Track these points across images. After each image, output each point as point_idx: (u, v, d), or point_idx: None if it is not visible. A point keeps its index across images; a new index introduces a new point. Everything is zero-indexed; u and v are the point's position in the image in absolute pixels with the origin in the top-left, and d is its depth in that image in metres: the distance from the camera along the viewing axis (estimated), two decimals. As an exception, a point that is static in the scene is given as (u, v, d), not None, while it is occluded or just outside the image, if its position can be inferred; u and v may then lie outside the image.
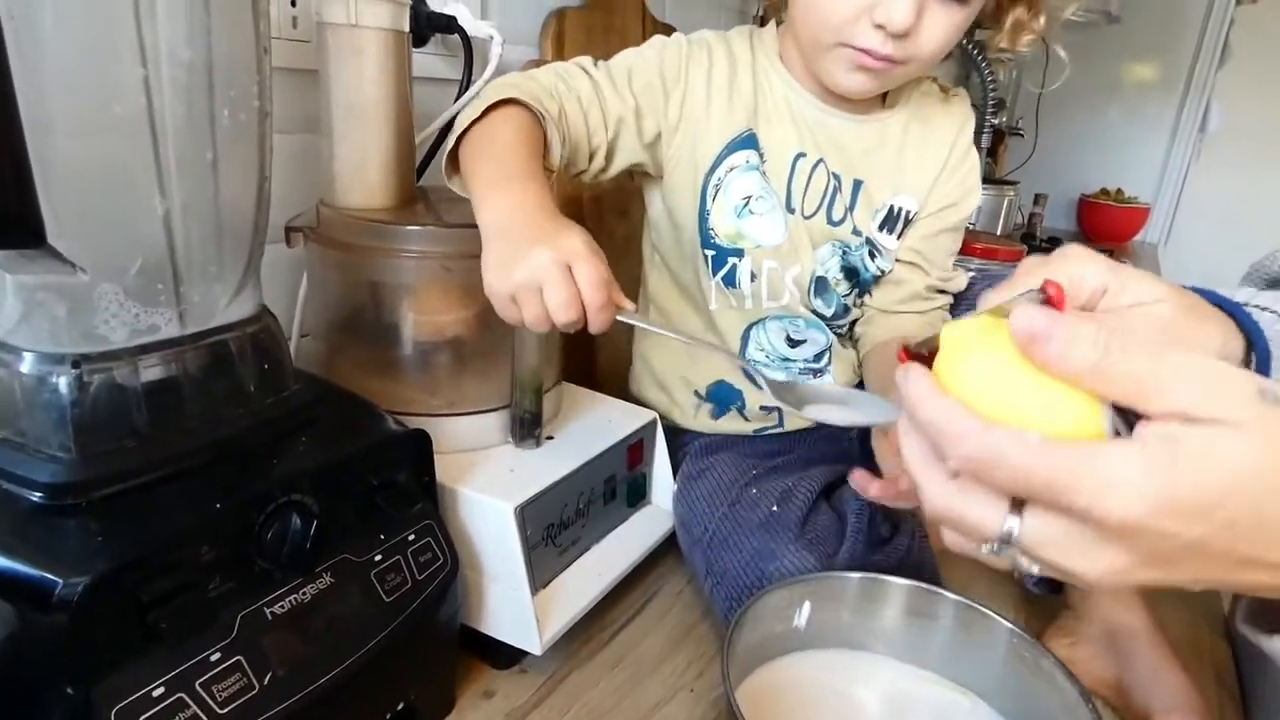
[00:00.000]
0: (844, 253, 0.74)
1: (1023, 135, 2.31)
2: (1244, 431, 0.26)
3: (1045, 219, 2.24)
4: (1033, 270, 0.39)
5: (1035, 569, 0.31)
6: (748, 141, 0.70)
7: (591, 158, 0.66)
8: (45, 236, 0.35)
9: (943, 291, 0.77)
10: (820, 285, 0.74)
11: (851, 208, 0.72)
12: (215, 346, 0.44)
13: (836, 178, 0.72)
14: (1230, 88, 2.32)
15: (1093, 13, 2.01)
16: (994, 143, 1.93)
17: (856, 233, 0.73)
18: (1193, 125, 2.39)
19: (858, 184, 0.72)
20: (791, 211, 0.71)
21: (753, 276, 0.72)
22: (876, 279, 0.76)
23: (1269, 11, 2.22)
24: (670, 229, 0.75)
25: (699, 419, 0.78)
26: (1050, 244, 2.06)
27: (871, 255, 0.74)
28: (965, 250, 1.24)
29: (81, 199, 0.37)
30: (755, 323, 0.75)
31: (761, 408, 0.77)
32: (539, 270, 0.47)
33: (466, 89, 0.76)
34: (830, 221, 0.72)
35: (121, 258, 0.39)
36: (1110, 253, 1.93)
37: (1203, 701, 0.58)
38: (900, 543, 0.67)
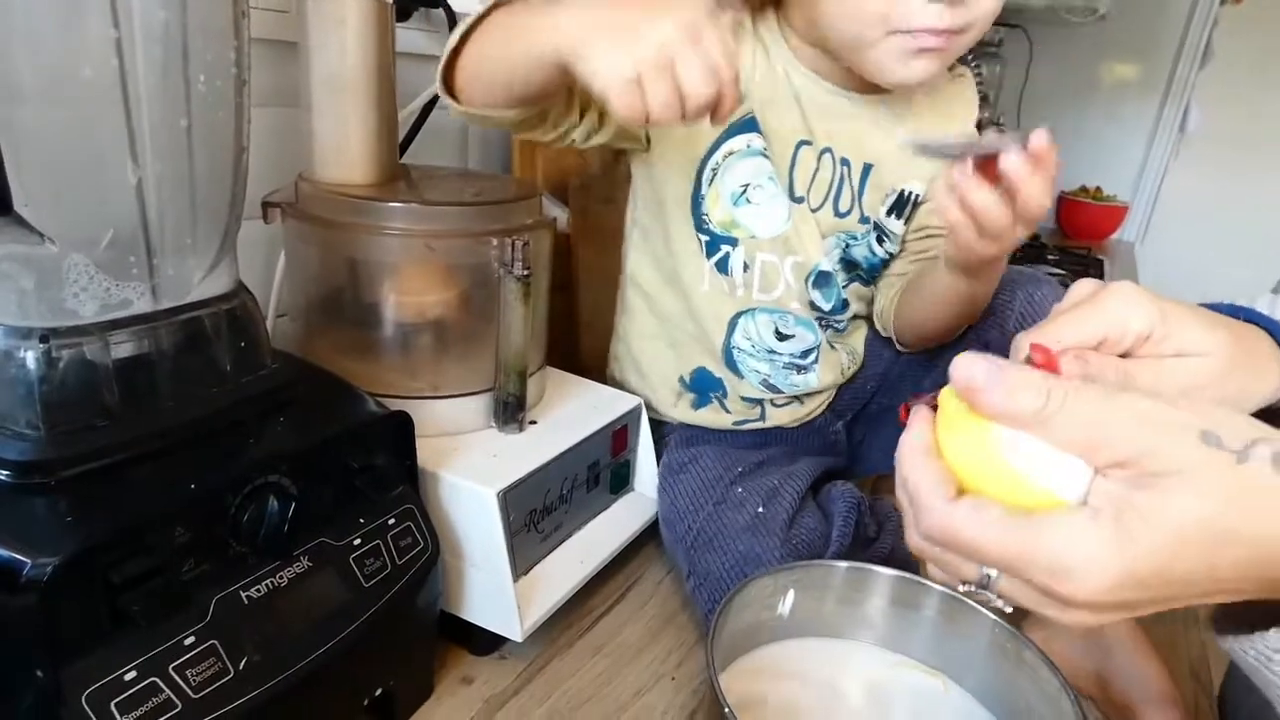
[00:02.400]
0: (846, 245, 0.72)
1: (1004, 131, 2.32)
2: (1189, 482, 0.27)
3: (1026, 213, 2.26)
4: (1081, 301, 0.38)
5: (1010, 609, 0.33)
6: (748, 125, 0.66)
7: (584, 113, 0.61)
8: (11, 204, 0.34)
9: None
10: (821, 278, 0.72)
11: (860, 194, 0.70)
12: (189, 323, 0.43)
13: (845, 164, 0.69)
14: (1210, 89, 2.35)
15: (1083, 12, 2.03)
16: (977, 137, 1.93)
17: (864, 220, 0.71)
18: (1172, 125, 2.42)
19: (868, 168, 0.69)
20: (798, 201, 0.69)
21: (745, 266, 0.70)
22: (885, 263, 0.74)
23: (1252, 13, 2.24)
24: (655, 206, 0.72)
25: (679, 409, 0.77)
26: (1030, 239, 2.08)
27: (880, 240, 0.72)
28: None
29: (50, 166, 0.35)
30: (744, 311, 0.73)
31: (743, 399, 0.76)
32: (671, 43, 0.41)
33: (451, 66, 0.74)
34: (837, 214, 0.70)
35: (92, 228, 0.37)
36: (1088, 250, 1.94)
37: (1179, 694, 0.59)
38: (885, 542, 0.67)
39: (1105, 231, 2.40)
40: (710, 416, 0.77)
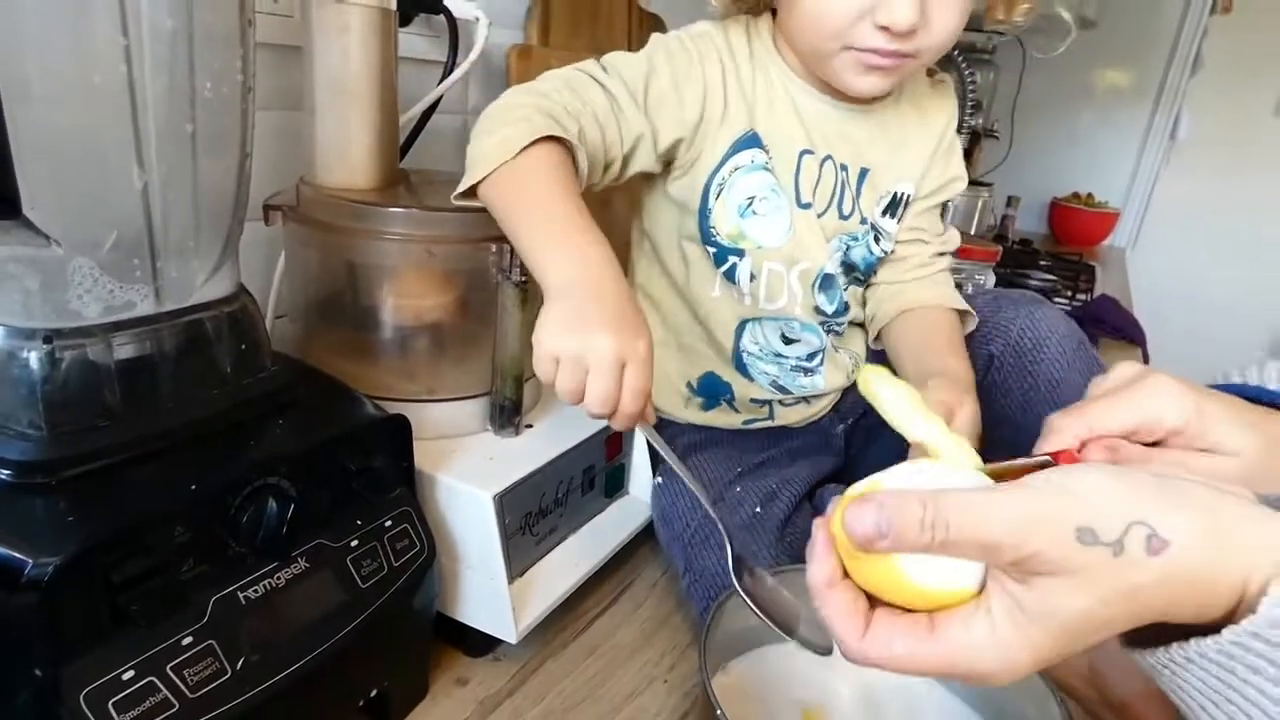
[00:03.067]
0: (847, 248, 0.74)
1: (998, 137, 2.34)
2: (1068, 583, 0.29)
3: (1017, 221, 2.27)
4: (1120, 387, 0.40)
5: None
6: (750, 141, 0.68)
7: (606, 169, 0.64)
8: (20, 207, 0.34)
9: (942, 254, 0.79)
10: (826, 282, 0.74)
11: (858, 196, 0.72)
12: (191, 325, 0.43)
13: (844, 169, 0.71)
14: (1201, 97, 2.38)
15: (1071, 18, 2.05)
16: (970, 144, 1.95)
17: (863, 221, 0.73)
18: (1164, 132, 2.44)
19: (864, 172, 0.72)
20: (805, 208, 0.71)
21: (752, 276, 0.72)
22: (879, 261, 0.76)
23: (1240, 22, 2.27)
24: (664, 220, 0.73)
25: (689, 410, 0.79)
26: (1022, 245, 2.09)
27: (876, 240, 0.75)
28: (942, 249, 1.25)
29: (57, 170, 0.36)
30: (752, 319, 0.74)
31: (752, 400, 0.77)
32: (595, 355, 0.47)
33: (451, 70, 0.75)
34: (841, 216, 0.72)
35: (97, 231, 0.38)
36: (1079, 256, 1.94)
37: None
38: None
39: (1097, 238, 2.41)
40: (720, 417, 0.78)
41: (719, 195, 0.69)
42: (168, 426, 0.42)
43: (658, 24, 1.08)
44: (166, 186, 0.39)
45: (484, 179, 0.54)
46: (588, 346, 0.47)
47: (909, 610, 0.33)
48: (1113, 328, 1.46)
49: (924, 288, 0.77)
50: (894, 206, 0.74)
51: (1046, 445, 0.40)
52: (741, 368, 0.76)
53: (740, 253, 0.70)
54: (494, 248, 0.56)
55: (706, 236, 0.70)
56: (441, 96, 0.75)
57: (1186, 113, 2.40)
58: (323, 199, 0.57)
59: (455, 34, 0.75)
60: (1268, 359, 0.45)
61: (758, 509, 0.66)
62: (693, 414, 0.78)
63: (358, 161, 0.58)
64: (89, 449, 0.39)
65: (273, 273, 0.68)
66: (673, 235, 0.73)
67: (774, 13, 0.69)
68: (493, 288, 0.57)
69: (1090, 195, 2.45)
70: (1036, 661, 0.30)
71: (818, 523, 0.35)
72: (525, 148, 0.54)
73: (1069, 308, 1.54)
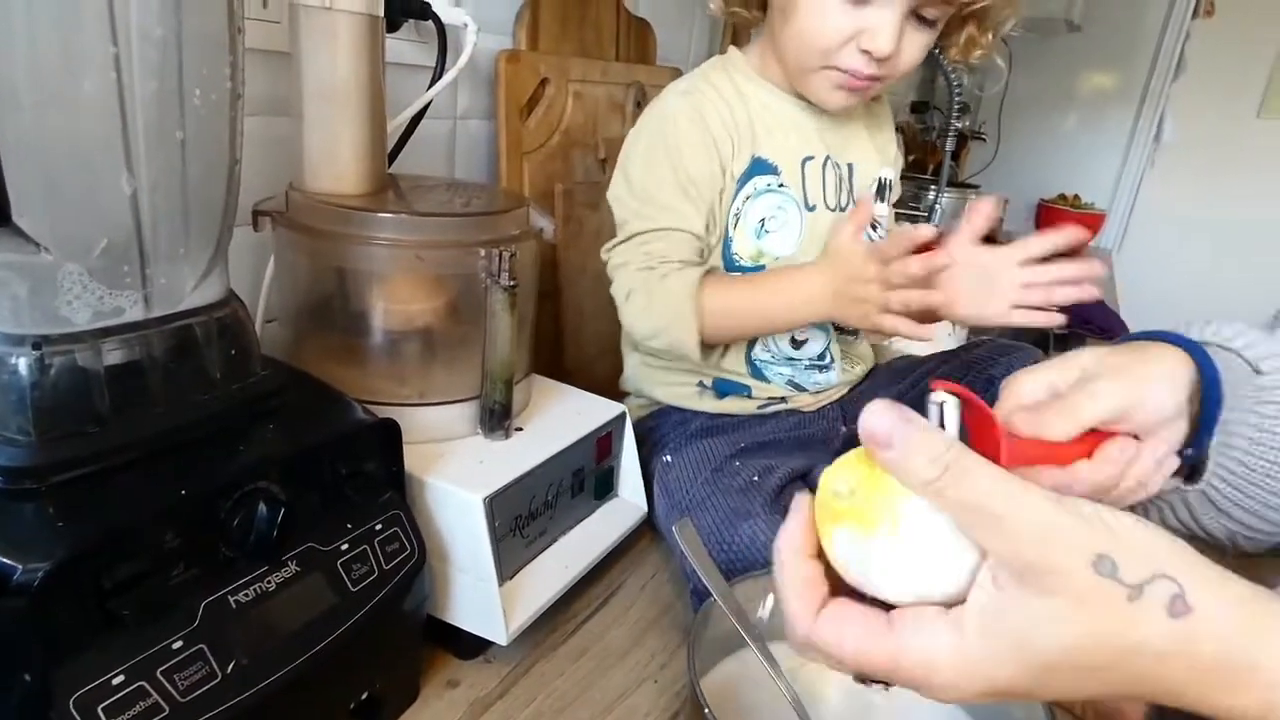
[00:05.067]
0: None
1: (985, 139, 2.36)
2: (1066, 611, 0.25)
3: (1005, 222, 2.29)
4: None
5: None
6: (756, 167, 0.74)
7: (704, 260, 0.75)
8: (9, 214, 0.35)
9: None
10: None
11: (851, 190, 0.80)
12: (181, 330, 0.43)
13: (838, 166, 0.78)
14: (1184, 100, 2.40)
15: (1054, 19, 2.06)
16: (957, 146, 1.96)
17: None
18: (1148, 135, 2.46)
19: (851, 166, 0.80)
20: (811, 210, 0.76)
21: None
22: None
23: (1222, 26, 2.29)
24: None
25: (703, 402, 0.81)
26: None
27: (873, 226, 0.80)
28: (932, 248, 1.26)
29: (47, 176, 0.36)
30: None
31: (769, 398, 0.81)
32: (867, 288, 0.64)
33: (440, 76, 0.75)
34: (842, 209, 0.79)
35: (86, 237, 0.38)
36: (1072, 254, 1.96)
37: None
38: None
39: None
40: (734, 405, 0.81)
41: (737, 225, 0.75)
42: (157, 432, 0.42)
43: (646, 28, 1.08)
44: (156, 193, 0.39)
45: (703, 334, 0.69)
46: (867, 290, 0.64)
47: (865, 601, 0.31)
48: (1099, 328, 1.47)
49: None
50: (882, 191, 0.82)
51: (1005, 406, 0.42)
52: (757, 373, 0.80)
53: (761, 269, 0.76)
54: (483, 252, 0.57)
55: (730, 264, 0.76)
56: (430, 102, 0.75)
57: (1170, 115, 2.42)
58: (311, 204, 0.57)
59: (444, 40, 0.76)
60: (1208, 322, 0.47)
61: (755, 477, 0.69)
62: (707, 404, 0.81)
63: (346, 167, 0.58)
64: (78, 454, 0.39)
65: (262, 278, 0.68)
66: None
67: (736, 33, 0.77)
68: (482, 292, 0.58)
69: (1076, 197, 2.47)
70: (993, 689, 0.27)
71: (799, 497, 0.34)
72: (695, 294, 0.68)
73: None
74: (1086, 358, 0.43)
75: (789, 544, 0.32)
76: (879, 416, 0.28)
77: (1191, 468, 0.46)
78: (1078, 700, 0.28)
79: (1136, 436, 0.41)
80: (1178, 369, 0.43)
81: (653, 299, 0.70)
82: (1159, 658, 0.25)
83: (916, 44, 0.68)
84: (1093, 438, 0.41)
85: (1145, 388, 0.41)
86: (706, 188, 0.73)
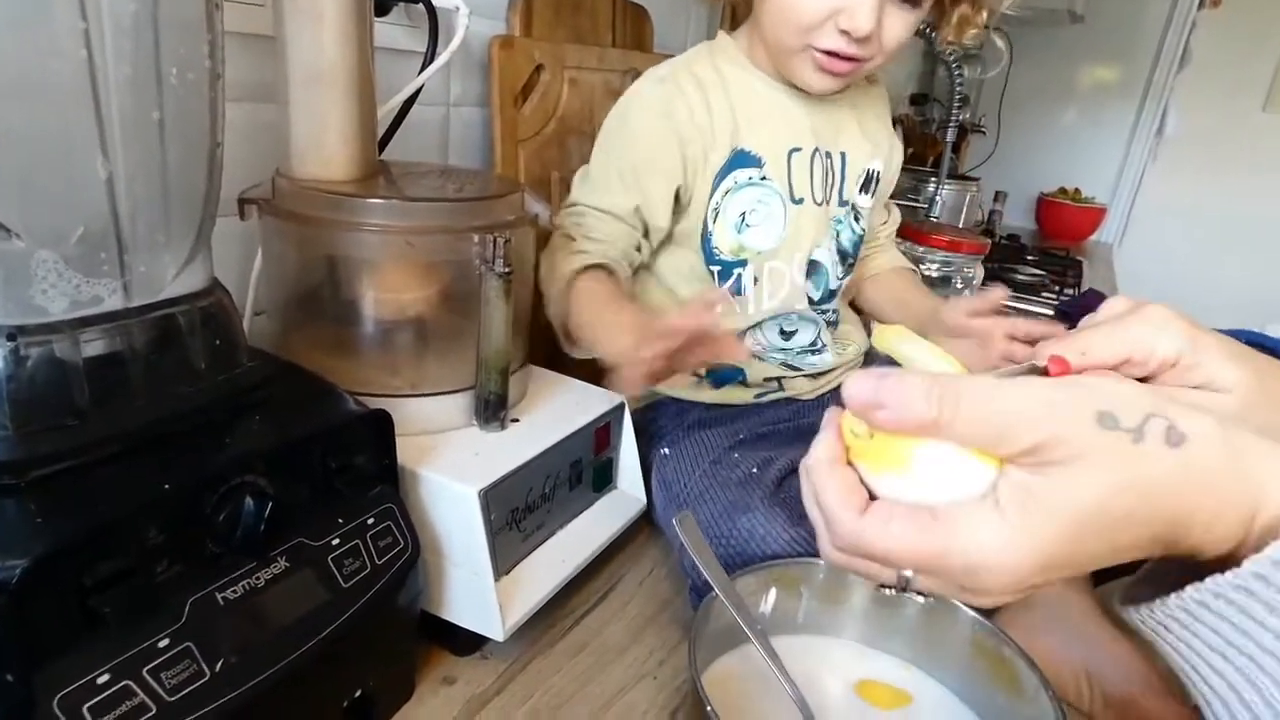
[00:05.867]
0: (837, 233, 0.80)
1: (985, 132, 2.34)
2: (1086, 469, 0.27)
3: (1005, 216, 2.28)
4: (1115, 318, 0.38)
5: (932, 600, 0.34)
6: (737, 160, 0.73)
7: (639, 249, 0.74)
8: (-22, 200, 0.33)
9: (884, 225, 0.93)
10: (812, 267, 0.79)
11: (842, 181, 0.79)
12: (162, 320, 0.42)
13: (829, 156, 0.77)
14: (1188, 92, 2.38)
15: (1056, 10, 2.05)
16: (958, 138, 1.95)
17: (843, 203, 0.79)
18: (1150, 128, 2.45)
19: (843, 155, 0.78)
20: (797, 203, 0.75)
21: (755, 280, 0.76)
22: (860, 241, 0.83)
23: (1229, 17, 2.28)
24: (672, 258, 0.78)
25: (701, 391, 0.80)
26: (1010, 240, 2.10)
27: (856, 219, 0.81)
28: (931, 241, 1.25)
29: (16, 160, 0.34)
30: (752, 325, 0.78)
31: (765, 378, 0.80)
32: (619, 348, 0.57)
33: (430, 61, 0.74)
34: (841, 203, 0.79)
35: (61, 224, 0.37)
36: (1066, 251, 1.97)
37: (1169, 683, 0.59)
38: None
39: (1084, 232, 2.42)
40: (732, 394, 0.80)
41: (716, 219, 0.74)
42: (140, 425, 0.41)
43: (642, 14, 1.07)
44: (133, 177, 0.38)
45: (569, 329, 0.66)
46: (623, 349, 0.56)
47: None
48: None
49: (882, 254, 0.92)
50: (868, 183, 0.81)
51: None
52: (751, 357, 0.80)
53: (743, 263, 0.75)
54: (476, 238, 0.56)
55: (710, 258, 0.75)
56: (421, 88, 0.74)
57: (1174, 108, 2.41)
58: (299, 191, 0.56)
59: (435, 24, 0.74)
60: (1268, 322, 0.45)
61: (754, 469, 0.68)
62: (705, 394, 0.80)
63: (334, 153, 0.57)
64: (58, 448, 0.38)
65: (250, 270, 0.66)
66: (674, 266, 0.78)
67: (734, 19, 0.76)
68: (476, 279, 0.56)
69: (1078, 190, 2.45)
70: (1041, 563, 0.28)
71: (830, 411, 0.34)
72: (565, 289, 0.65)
73: (1056, 302, 1.54)
74: (1216, 371, 0.38)
75: (825, 454, 0.33)
76: (859, 385, 0.30)
77: None
78: (1115, 561, 0.29)
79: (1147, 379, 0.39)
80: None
81: (548, 274, 0.69)
82: (1170, 489, 0.28)
83: (900, 23, 0.67)
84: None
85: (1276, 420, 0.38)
86: (648, 180, 0.71)
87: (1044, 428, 0.28)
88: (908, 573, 0.31)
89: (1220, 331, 0.41)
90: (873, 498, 0.33)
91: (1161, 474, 0.27)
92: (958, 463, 0.30)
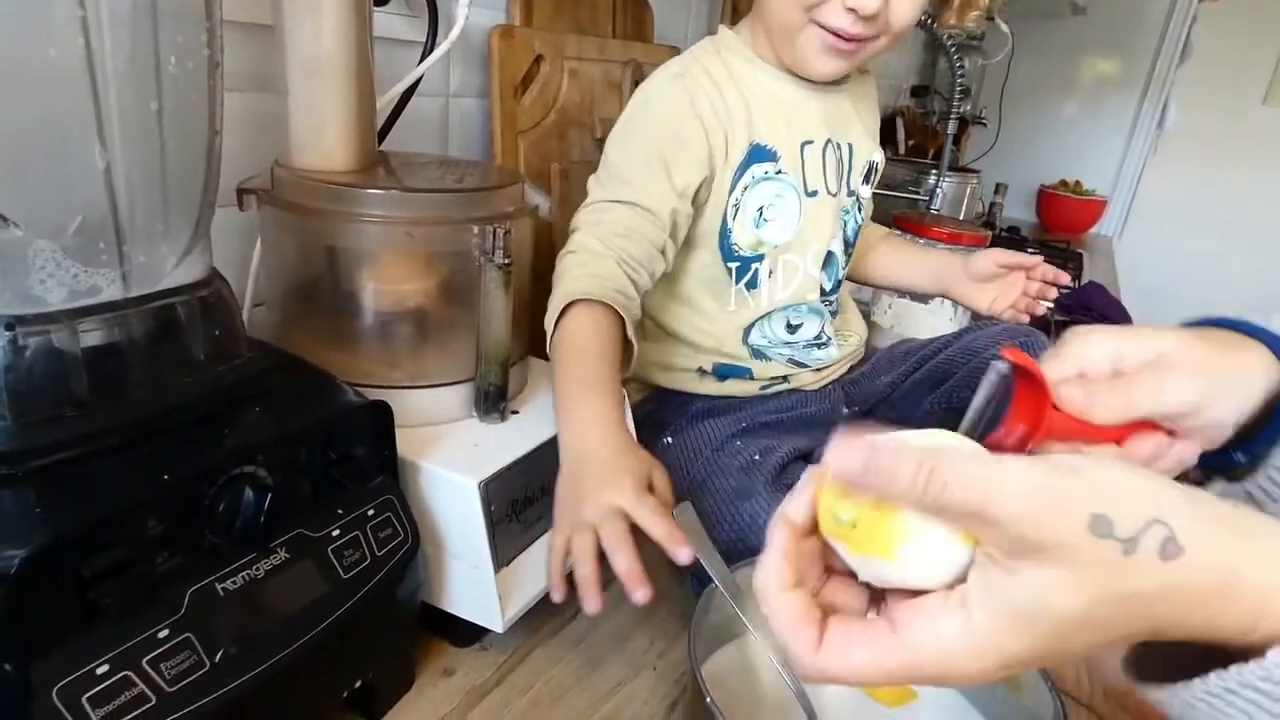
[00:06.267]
0: (844, 223, 0.79)
1: (986, 124, 2.34)
2: (1069, 581, 0.26)
3: (1005, 208, 2.27)
4: (1052, 357, 0.39)
5: None
6: (755, 154, 0.71)
7: (664, 252, 0.69)
8: (-25, 189, 0.33)
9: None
10: (829, 260, 0.78)
11: (850, 171, 0.78)
12: (161, 310, 0.42)
13: (839, 148, 0.76)
14: (1189, 86, 2.38)
15: (1058, 2, 2.04)
16: (958, 130, 1.94)
17: (850, 194, 0.79)
18: (1151, 121, 2.44)
19: (850, 147, 0.78)
20: (811, 195, 0.74)
21: (770, 272, 0.76)
22: (859, 230, 0.83)
23: (1230, 10, 2.27)
24: (683, 252, 0.75)
25: (704, 384, 0.80)
26: (1010, 233, 2.09)
27: (859, 208, 0.81)
28: (931, 234, 1.25)
29: (13, 149, 0.34)
30: (760, 318, 0.77)
31: (771, 377, 0.80)
32: (599, 512, 0.51)
33: (430, 51, 0.73)
34: (849, 193, 0.79)
35: (59, 213, 0.36)
36: (1067, 244, 1.96)
37: None
38: None
39: (1084, 225, 2.42)
40: (736, 386, 0.80)
41: (736, 215, 0.72)
42: (139, 415, 0.41)
43: (643, 5, 1.06)
44: (131, 166, 0.38)
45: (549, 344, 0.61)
46: (590, 512, 0.51)
47: (870, 590, 0.31)
48: (1100, 315, 1.46)
49: (866, 227, 0.91)
50: (869, 174, 0.81)
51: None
52: (757, 355, 0.79)
53: (760, 258, 0.74)
54: (476, 229, 0.55)
55: (729, 255, 0.74)
56: (421, 78, 0.73)
57: (1174, 101, 2.40)
58: (297, 181, 0.56)
59: (435, 13, 0.74)
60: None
61: (756, 456, 0.68)
62: (708, 387, 0.80)
63: (333, 143, 0.57)
64: (57, 439, 0.38)
65: (250, 261, 0.66)
66: (692, 268, 0.76)
67: (735, 12, 0.75)
68: (475, 270, 0.56)
69: (1078, 183, 2.45)
70: (1009, 664, 0.27)
71: (807, 473, 0.33)
72: (562, 315, 0.60)
73: (1057, 294, 1.54)
74: (1170, 340, 0.38)
75: (772, 582, 0.32)
76: (847, 456, 0.29)
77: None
78: (1088, 655, 0.28)
79: (1172, 432, 0.39)
80: (1259, 375, 0.39)
81: (556, 282, 0.64)
82: (1158, 599, 0.26)
83: (908, 2, 0.64)
84: (1131, 426, 0.38)
85: (1218, 389, 0.38)
86: (682, 170, 0.68)
87: (1030, 529, 0.26)
88: None
89: (1202, 322, 0.42)
90: (828, 568, 0.32)
91: (1148, 589, 0.26)
92: (944, 548, 0.29)
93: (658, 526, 0.50)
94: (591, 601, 0.50)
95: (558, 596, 0.52)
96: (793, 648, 0.30)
